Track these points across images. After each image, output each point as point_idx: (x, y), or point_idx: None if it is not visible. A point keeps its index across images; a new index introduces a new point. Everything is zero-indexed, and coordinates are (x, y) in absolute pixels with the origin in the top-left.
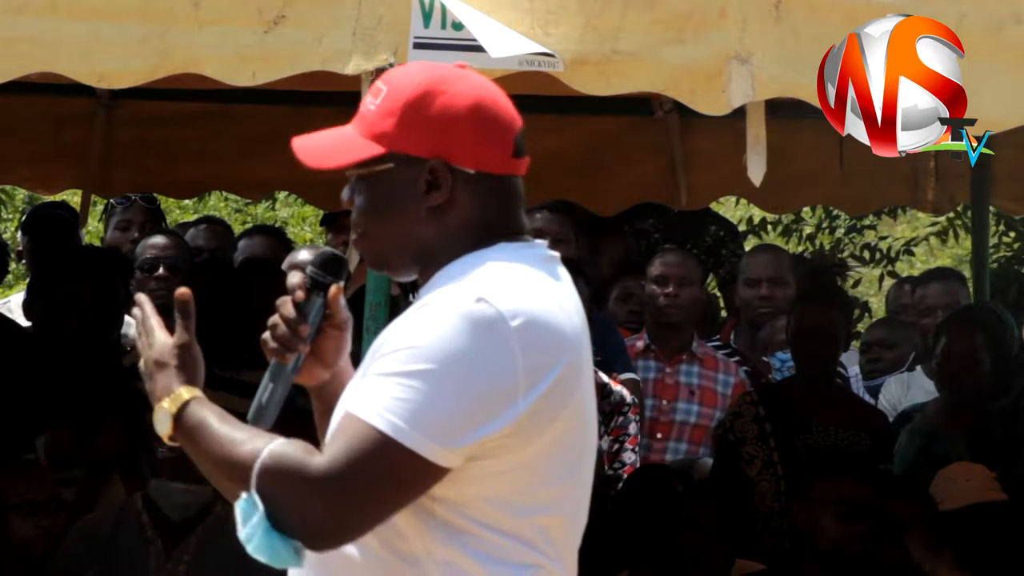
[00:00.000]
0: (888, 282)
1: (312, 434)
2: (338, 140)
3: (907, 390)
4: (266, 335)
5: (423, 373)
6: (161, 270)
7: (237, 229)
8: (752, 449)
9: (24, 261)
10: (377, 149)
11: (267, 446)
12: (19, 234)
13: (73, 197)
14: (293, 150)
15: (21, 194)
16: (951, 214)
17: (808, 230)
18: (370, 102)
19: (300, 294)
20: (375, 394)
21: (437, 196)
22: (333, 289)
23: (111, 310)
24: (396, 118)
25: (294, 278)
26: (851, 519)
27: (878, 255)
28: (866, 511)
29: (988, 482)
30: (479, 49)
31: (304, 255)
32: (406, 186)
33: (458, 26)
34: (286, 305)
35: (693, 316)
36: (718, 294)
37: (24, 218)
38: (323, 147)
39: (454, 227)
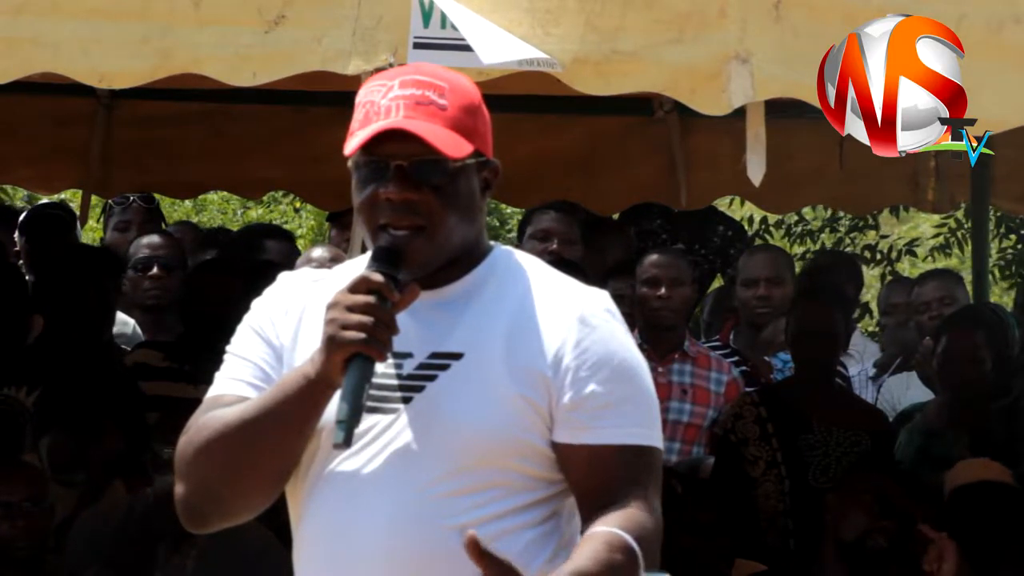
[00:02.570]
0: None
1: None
2: (441, 130)
3: (907, 389)
4: (352, 335)
5: (638, 381)
6: (155, 269)
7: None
8: (755, 450)
9: (21, 262)
10: (470, 145)
11: (623, 537)
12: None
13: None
14: (415, 133)
15: (20, 194)
16: (952, 223)
17: (812, 227)
18: (436, 97)
19: (397, 295)
20: (624, 417)
21: (488, 195)
22: (414, 289)
23: (107, 311)
24: (475, 118)
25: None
26: (881, 513)
27: (879, 255)
28: (895, 510)
29: (1001, 471)
30: None
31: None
32: (477, 183)
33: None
34: (379, 306)
35: (685, 316)
36: None
37: (21, 218)
38: (441, 136)
39: (480, 226)
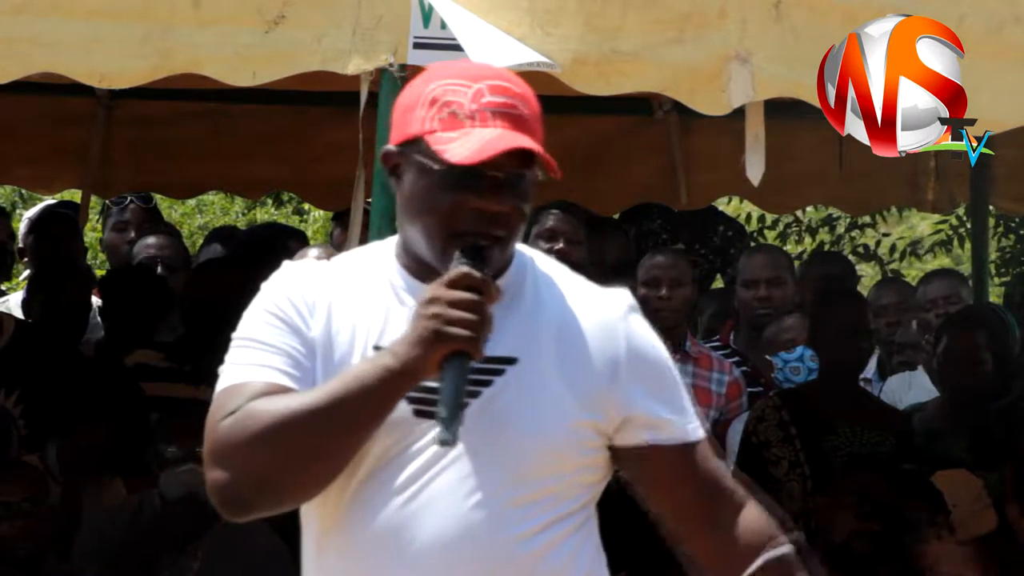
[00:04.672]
0: None
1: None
2: (540, 148)
3: (908, 389)
4: (458, 331)
5: (676, 372)
6: (159, 269)
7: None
8: (778, 451)
9: (27, 259)
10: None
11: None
12: (21, 232)
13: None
14: (540, 154)
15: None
16: (954, 221)
17: (811, 225)
18: (522, 107)
19: (495, 293)
20: (684, 413)
21: None
22: (499, 288)
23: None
24: (542, 126)
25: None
26: (867, 515)
27: (878, 254)
28: (883, 511)
29: (973, 505)
30: None
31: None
32: None
33: None
34: (481, 303)
35: (686, 317)
36: None
37: (29, 216)
38: (546, 155)
39: None
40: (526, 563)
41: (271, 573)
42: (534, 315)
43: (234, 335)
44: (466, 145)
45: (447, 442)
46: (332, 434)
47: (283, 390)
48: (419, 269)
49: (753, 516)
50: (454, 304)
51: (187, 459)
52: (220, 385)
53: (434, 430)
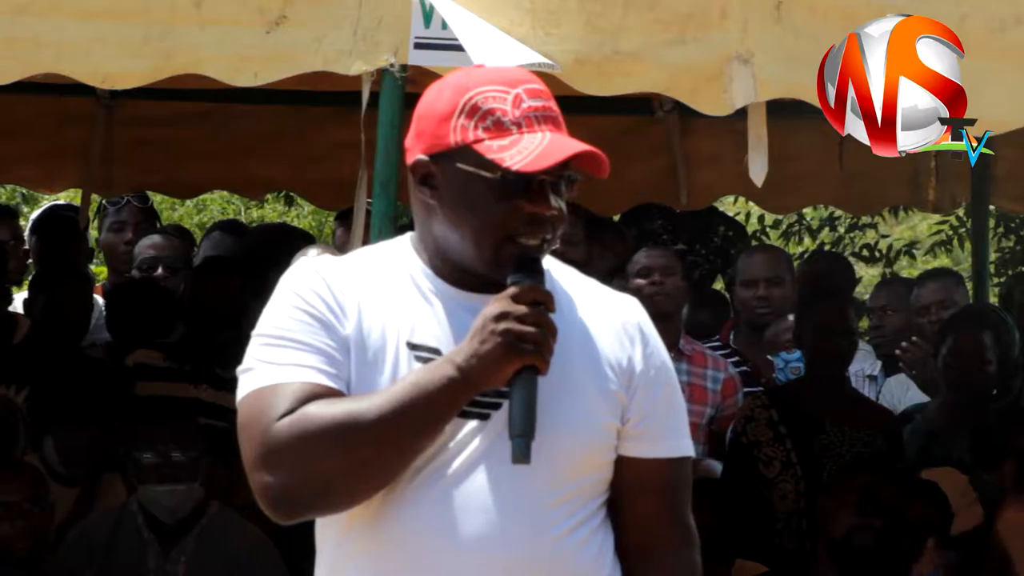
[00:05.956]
0: None
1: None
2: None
3: (907, 390)
4: (530, 347)
5: (678, 386)
6: (160, 270)
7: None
8: (769, 451)
9: (32, 260)
10: None
11: None
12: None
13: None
14: (601, 158)
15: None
16: (954, 222)
17: (811, 225)
18: (555, 108)
19: (553, 301)
20: (680, 428)
21: None
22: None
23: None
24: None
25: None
26: (868, 511)
27: (878, 255)
28: (884, 508)
29: (959, 502)
30: None
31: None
32: None
33: None
34: (549, 318)
35: (680, 305)
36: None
37: (34, 218)
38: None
39: None
40: (561, 560)
41: (258, 570)
42: (560, 319)
43: (258, 332)
44: (524, 152)
45: (521, 459)
46: (395, 441)
47: (326, 390)
48: (449, 271)
49: (686, 563)
50: (524, 319)
51: (163, 467)
52: (255, 384)
53: (468, 424)
